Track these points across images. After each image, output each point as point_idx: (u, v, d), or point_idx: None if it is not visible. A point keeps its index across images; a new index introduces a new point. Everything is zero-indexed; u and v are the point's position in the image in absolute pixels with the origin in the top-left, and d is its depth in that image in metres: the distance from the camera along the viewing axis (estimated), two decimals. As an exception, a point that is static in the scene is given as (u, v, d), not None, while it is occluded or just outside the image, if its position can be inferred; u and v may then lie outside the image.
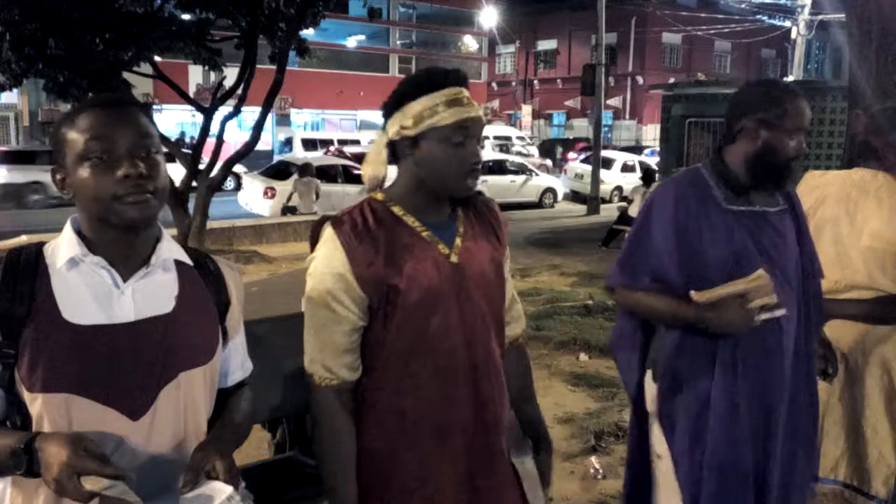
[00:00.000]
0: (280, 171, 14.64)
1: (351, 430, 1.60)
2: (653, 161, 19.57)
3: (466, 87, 1.62)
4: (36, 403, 1.23)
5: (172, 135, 20.60)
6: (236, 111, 9.90)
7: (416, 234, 1.60)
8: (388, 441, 1.61)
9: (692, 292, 1.93)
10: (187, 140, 19.70)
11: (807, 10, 24.26)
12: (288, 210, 12.57)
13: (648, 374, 2.16)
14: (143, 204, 1.26)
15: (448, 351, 1.58)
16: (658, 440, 2.11)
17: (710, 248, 1.98)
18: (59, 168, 1.29)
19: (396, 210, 1.62)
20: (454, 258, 1.61)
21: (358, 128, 34.66)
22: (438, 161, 1.57)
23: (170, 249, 1.37)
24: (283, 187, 13.35)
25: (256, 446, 3.04)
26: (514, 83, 41.94)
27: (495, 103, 41.38)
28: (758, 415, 2.01)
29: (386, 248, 1.56)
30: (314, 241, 1.62)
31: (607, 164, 18.97)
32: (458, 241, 1.64)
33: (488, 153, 19.96)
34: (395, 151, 1.64)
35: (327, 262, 1.56)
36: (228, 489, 1.19)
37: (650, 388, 2.14)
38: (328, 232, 1.58)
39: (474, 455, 1.63)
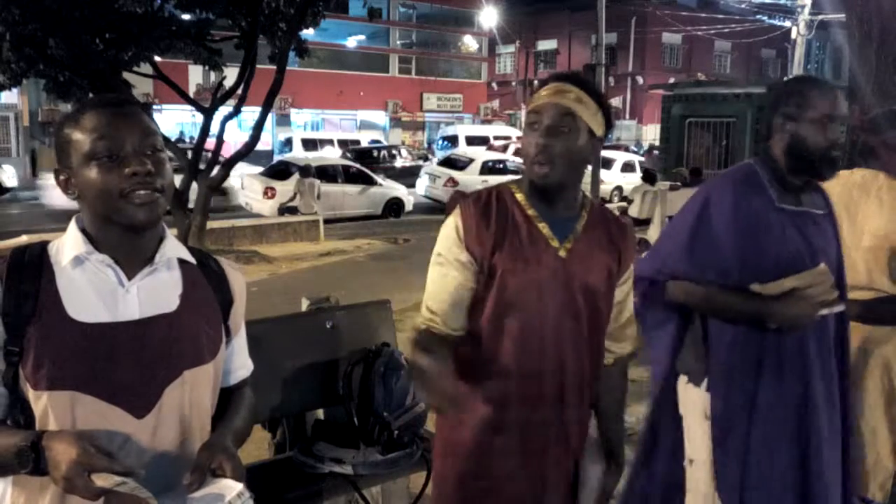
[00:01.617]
0: (280, 171, 14.64)
1: (445, 351, 1.62)
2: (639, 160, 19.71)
3: (577, 84, 1.66)
4: (40, 401, 1.23)
5: (172, 135, 20.61)
6: (236, 111, 9.90)
7: (530, 222, 1.70)
8: (478, 408, 1.70)
9: (754, 285, 1.96)
10: (187, 140, 19.67)
11: (807, 10, 24.24)
12: (287, 210, 12.58)
13: (682, 378, 2.16)
14: (151, 204, 1.27)
15: (539, 336, 1.67)
16: (693, 445, 2.12)
17: (766, 247, 2.01)
18: (63, 169, 1.29)
19: (520, 197, 1.73)
20: (562, 253, 1.69)
21: (358, 128, 34.66)
22: (522, 146, 1.70)
23: (174, 248, 1.37)
24: (284, 187, 13.35)
25: (256, 446, 3.04)
26: (514, 83, 41.91)
27: (495, 103, 41.34)
28: (794, 418, 2.03)
29: (498, 226, 1.69)
30: (448, 212, 1.78)
31: (607, 164, 18.94)
32: (570, 238, 1.70)
33: (487, 154, 19.90)
34: None
35: (448, 228, 1.72)
36: (238, 486, 1.20)
37: (686, 392, 2.14)
38: (457, 205, 1.74)
39: (546, 448, 1.71)
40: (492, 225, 1.68)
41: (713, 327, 2.10)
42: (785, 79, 2.15)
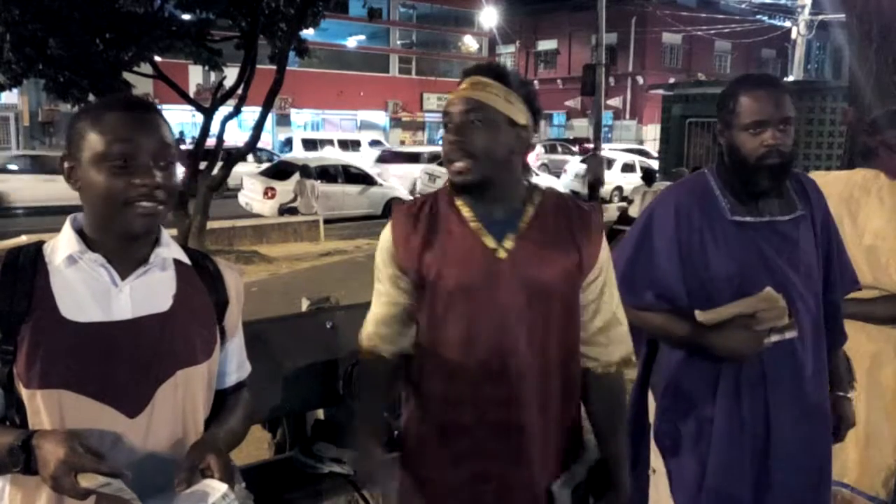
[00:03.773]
0: (280, 171, 14.65)
1: (382, 397, 1.68)
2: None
3: (486, 74, 1.55)
4: (33, 400, 1.23)
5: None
6: (236, 111, 9.90)
7: (464, 224, 1.58)
8: (423, 425, 1.63)
9: (697, 312, 1.83)
10: (187, 140, 19.73)
11: (807, 10, 24.24)
12: (286, 210, 12.59)
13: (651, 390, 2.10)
14: (152, 216, 1.27)
15: (478, 346, 1.54)
16: (656, 455, 2.06)
17: (715, 263, 1.87)
18: (69, 157, 1.29)
19: (457, 199, 1.60)
20: (501, 254, 1.55)
21: (358, 128, 34.67)
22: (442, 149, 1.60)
23: (168, 249, 1.37)
24: (284, 187, 13.36)
25: (256, 446, 3.04)
26: (514, 83, 41.85)
27: (495, 103, 41.34)
28: (758, 442, 1.89)
29: (428, 232, 1.58)
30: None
31: (607, 164, 18.92)
32: (510, 238, 1.56)
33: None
34: None
35: (382, 239, 1.65)
36: (223, 487, 1.19)
37: (653, 403, 2.08)
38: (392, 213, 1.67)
39: (493, 460, 1.58)
40: (419, 232, 1.58)
41: (664, 346, 2.02)
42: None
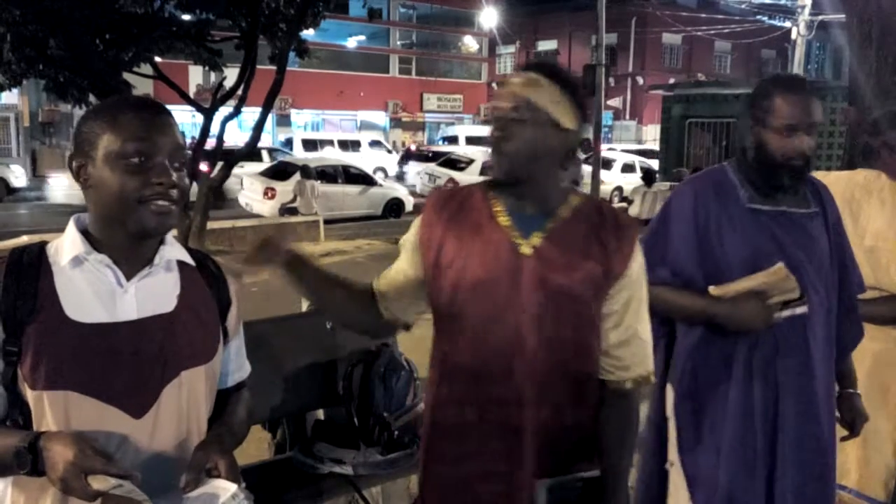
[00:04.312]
0: (280, 172, 14.66)
1: (342, 289, 1.72)
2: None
3: (537, 70, 1.57)
4: (39, 401, 1.23)
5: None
6: (236, 112, 9.91)
7: (493, 218, 1.57)
8: (436, 422, 1.64)
9: (710, 287, 1.91)
10: (187, 140, 19.78)
11: (807, 11, 24.24)
12: (287, 210, 12.60)
13: (670, 384, 2.12)
14: (166, 214, 1.28)
15: (490, 341, 1.54)
16: (674, 446, 2.07)
17: (730, 247, 1.94)
18: (80, 156, 1.29)
19: (491, 193, 1.61)
20: (526, 250, 1.54)
21: (358, 128, 34.68)
22: None
23: (172, 249, 1.38)
24: (284, 187, 13.37)
25: (256, 446, 3.04)
26: (514, 83, 41.84)
27: (495, 104, 41.42)
28: (767, 430, 1.92)
29: (454, 220, 1.59)
30: None
31: (607, 164, 18.94)
32: (538, 235, 1.55)
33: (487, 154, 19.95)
34: None
35: (415, 220, 1.69)
36: (233, 487, 1.20)
37: (671, 394, 2.08)
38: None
39: (499, 460, 1.57)
40: (442, 220, 1.59)
41: (679, 331, 2.05)
42: (770, 76, 2.09)
